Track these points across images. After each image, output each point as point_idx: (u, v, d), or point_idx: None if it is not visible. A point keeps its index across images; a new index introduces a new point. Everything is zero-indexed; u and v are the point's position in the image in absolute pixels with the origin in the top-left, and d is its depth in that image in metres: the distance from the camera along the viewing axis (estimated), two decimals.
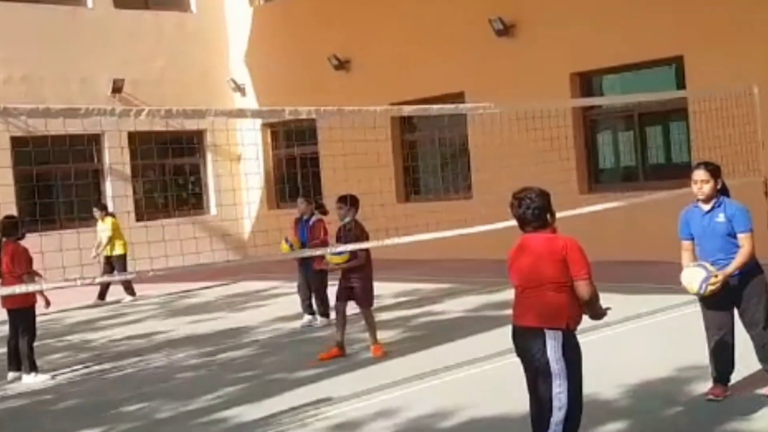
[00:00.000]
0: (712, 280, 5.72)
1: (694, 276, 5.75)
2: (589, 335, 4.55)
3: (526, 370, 4.61)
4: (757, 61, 11.31)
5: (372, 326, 8.52)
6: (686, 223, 6.10)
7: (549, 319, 4.47)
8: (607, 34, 13.55)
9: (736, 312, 5.99)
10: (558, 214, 4.76)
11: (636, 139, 14.24)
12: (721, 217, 5.93)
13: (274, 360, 8.80)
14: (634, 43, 13.23)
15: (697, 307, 9.23)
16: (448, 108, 8.84)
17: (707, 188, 5.94)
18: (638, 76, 14.09)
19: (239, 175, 18.34)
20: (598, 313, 4.64)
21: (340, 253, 8.12)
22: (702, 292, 5.75)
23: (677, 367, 6.90)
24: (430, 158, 17.33)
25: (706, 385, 6.32)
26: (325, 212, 10.50)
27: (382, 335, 8.86)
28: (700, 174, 5.98)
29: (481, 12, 15.07)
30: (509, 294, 5.18)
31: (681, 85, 13.14)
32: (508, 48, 14.99)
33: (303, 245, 10.12)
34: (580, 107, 14.25)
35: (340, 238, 8.39)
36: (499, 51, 15.06)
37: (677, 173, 13.47)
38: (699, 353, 7.20)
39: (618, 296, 9.40)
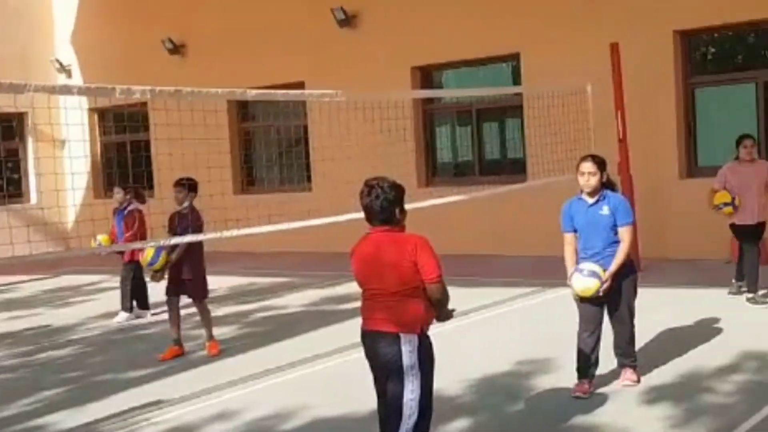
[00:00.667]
0: (605, 287, 5.78)
1: (589, 286, 5.77)
2: (429, 329, 4.39)
3: (376, 373, 4.35)
4: (591, 60, 11.67)
5: (207, 320, 8.07)
6: (570, 216, 6.07)
7: (404, 323, 4.23)
8: (448, 29, 13.65)
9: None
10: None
11: (473, 134, 14.45)
12: (605, 210, 5.97)
13: (102, 360, 8.21)
14: (474, 39, 13.39)
15: (534, 300, 9.57)
16: (293, 93, 8.52)
17: (594, 180, 5.95)
18: (477, 71, 14.29)
19: (62, 159, 17.22)
20: (446, 315, 4.46)
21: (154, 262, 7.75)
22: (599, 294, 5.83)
23: (518, 361, 6.94)
24: (269, 148, 16.93)
25: (547, 378, 6.40)
26: (143, 201, 10.09)
27: (219, 331, 8.46)
28: (587, 166, 5.97)
29: (323, 0, 14.81)
30: (350, 288, 5.00)
31: (518, 81, 13.41)
32: (350, 38, 14.83)
33: (116, 239, 9.91)
34: (420, 101, 14.32)
35: (174, 228, 7.87)
36: (341, 41, 14.87)
37: (512, 169, 13.85)
38: (539, 346, 7.32)
39: (457, 290, 9.40)
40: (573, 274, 5.86)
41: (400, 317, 4.23)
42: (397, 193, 4.35)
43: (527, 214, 12.29)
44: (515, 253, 12.76)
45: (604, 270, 5.81)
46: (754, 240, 8.75)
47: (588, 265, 5.82)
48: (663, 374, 6.35)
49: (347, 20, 14.76)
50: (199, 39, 16.73)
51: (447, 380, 6.13)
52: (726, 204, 8.49)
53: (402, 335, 4.22)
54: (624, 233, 5.90)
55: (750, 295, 8.59)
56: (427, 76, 14.58)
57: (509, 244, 13.01)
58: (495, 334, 8.14)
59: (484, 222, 13.17)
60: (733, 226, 8.85)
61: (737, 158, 8.71)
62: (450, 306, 4.45)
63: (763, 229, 8.84)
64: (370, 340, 4.34)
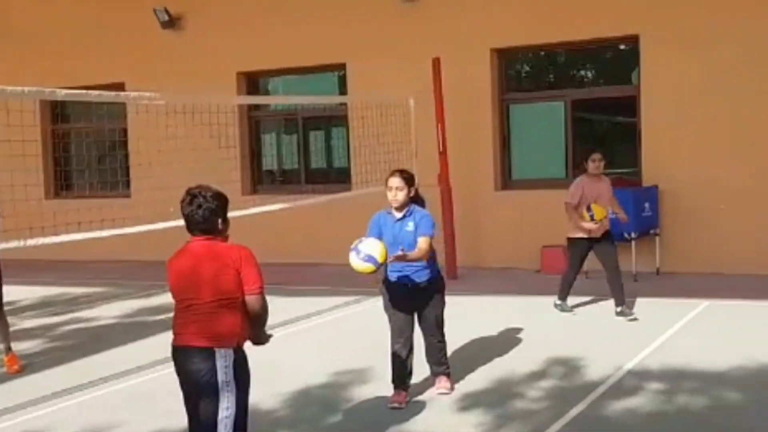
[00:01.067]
0: (391, 258, 5.63)
1: (362, 268, 5.56)
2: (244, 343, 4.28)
3: (188, 391, 4.17)
4: (414, 74, 11.92)
5: (4, 331, 7.50)
6: (379, 226, 6.08)
7: (219, 337, 4.08)
8: (276, 36, 13.55)
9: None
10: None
11: (299, 143, 14.42)
12: (410, 226, 6.03)
13: None
14: (301, 48, 13.36)
15: (354, 309, 9.63)
16: (107, 95, 8.14)
17: (401, 195, 5.99)
18: (304, 80, 14.27)
19: None
20: (263, 335, 4.32)
21: None
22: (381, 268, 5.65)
23: (337, 371, 6.93)
24: (85, 151, 16.14)
25: (365, 388, 6.43)
26: None
27: (24, 345, 7.95)
28: (395, 181, 6.00)
29: (146, 0, 14.33)
30: (167, 298, 4.81)
31: (344, 92, 13.49)
32: (174, 41, 14.43)
33: None
34: (246, 107, 14.14)
35: None
36: (164, 43, 14.45)
37: (337, 178, 13.92)
38: (357, 355, 7.36)
39: (277, 299, 9.33)
40: (351, 251, 5.68)
41: (214, 330, 4.09)
42: (220, 202, 4.23)
43: (351, 223, 12.33)
44: (339, 262, 12.76)
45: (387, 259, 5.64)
46: (604, 249, 8.71)
47: (367, 248, 5.61)
48: (476, 381, 6.53)
49: (171, 22, 14.36)
50: (8, 33, 15.73)
51: (263, 394, 6.04)
52: (606, 216, 8.70)
53: (216, 350, 4.08)
54: (421, 242, 5.92)
55: (558, 302, 9.02)
56: (253, 82, 14.42)
57: (333, 252, 12.98)
58: (313, 343, 8.10)
59: (309, 230, 13.16)
60: (581, 239, 8.65)
61: (585, 172, 8.93)
62: (269, 318, 4.34)
63: (611, 237, 8.82)
64: (181, 356, 4.16)
